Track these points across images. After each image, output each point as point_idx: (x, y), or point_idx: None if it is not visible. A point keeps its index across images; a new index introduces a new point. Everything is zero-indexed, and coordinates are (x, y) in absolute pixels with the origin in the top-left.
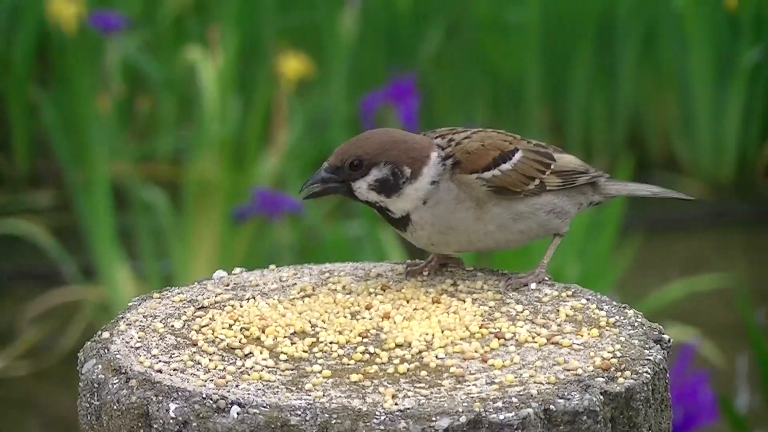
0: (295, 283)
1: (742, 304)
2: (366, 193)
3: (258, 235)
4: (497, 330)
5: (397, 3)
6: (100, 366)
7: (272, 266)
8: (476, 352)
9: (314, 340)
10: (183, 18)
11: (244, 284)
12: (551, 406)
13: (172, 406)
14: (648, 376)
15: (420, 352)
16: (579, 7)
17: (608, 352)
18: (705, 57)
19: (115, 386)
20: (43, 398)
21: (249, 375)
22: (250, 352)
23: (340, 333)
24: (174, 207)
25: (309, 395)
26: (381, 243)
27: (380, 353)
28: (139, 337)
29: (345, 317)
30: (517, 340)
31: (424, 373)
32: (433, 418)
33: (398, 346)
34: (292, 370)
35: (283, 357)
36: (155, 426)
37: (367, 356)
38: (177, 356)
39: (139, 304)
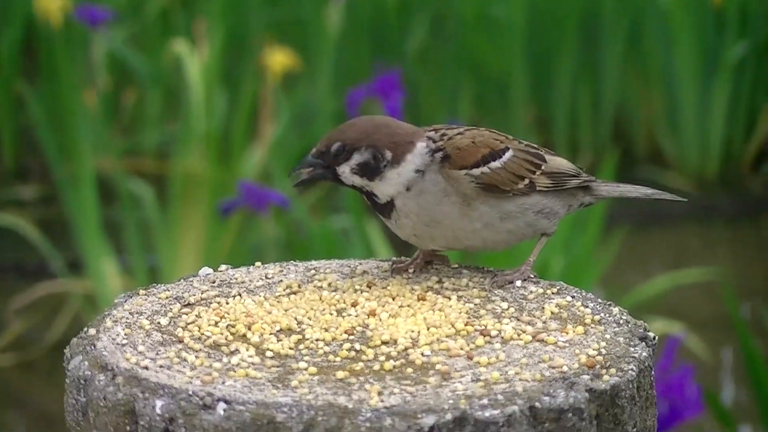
0: (281, 280)
1: (728, 298)
2: (350, 177)
3: (244, 229)
4: (483, 327)
5: None
6: (86, 363)
7: (258, 263)
8: (462, 349)
9: (300, 337)
10: (169, 12)
11: (230, 281)
12: (537, 404)
13: (159, 403)
14: (633, 373)
15: (406, 349)
16: (564, 3)
17: (593, 350)
18: (690, 52)
19: (101, 383)
20: (29, 390)
21: (235, 372)
22: (237, 349)
23: (326, 330)
24: (160, 201)
25: (295, 392)
26: (368, 237)
27: (366, 350)
28: (125, 334)
29: (331, 314)
30: (502, 338)
31: (409, 370)
32: (419, 416)
33: (384, 343)
34: (278, 367)
35: (269, 354)
36: (142, 423)
37: (353, 353)
38: (163, 353)
39: (125, 301)
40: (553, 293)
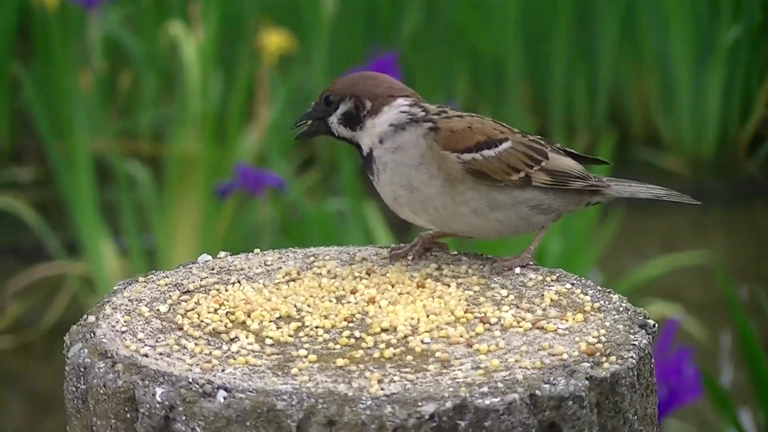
0: (280, 267)
1: (723, 280)
2: (337, 127)
3: (240, 211)
4: (482, 315)
5: None
6: (86, 350)
7: (257, 250)
8: (461, 336)
9: (300, 324)
10: None
11: (229, 268)
12: (537, 392)
13: (159, 391)
14: (633, 361)
15: (405, 336)
16: None
17: (593, 337)
18: (685, 34)
19: (101, 370)
20: (26, 373)
21: (235, 359)
22: (236, 337)
23: (326, 317)
24: (156, 183)
25: (295, 380)
26: (364, 220)
27: (366, 338)
28: (124, 321)
29: (330, 302)
30: (502, 325)
31: (409, 357)
32: (419, 404)
33: (384, 330)
34: (278, 354)
35: (268, 341)
36: (142, 410)
37: (352, 341)
38: (163, 340)
39: (125, 288)
40: (552, 280)
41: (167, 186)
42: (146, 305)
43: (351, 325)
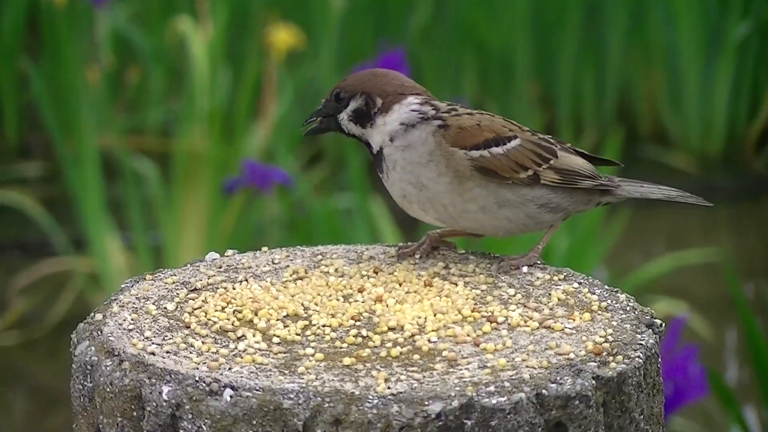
0: (288, 266)
1: (730, 278)
2: (347, 124)
3: (247, 207)
4: (489, 314)
5: None
6: (93, 348)
7: (264, 248)
8: (468, 335)
9: (307, 323)
10: None
11: (236, 266)
12: (543, 391)
13: (165, 389)
14: (640, 360)
15: (412, 335)
16: None
17: (600, 337)
18: (693, 31)
19: (108, 368)
20: (32, 369)
21: (242, 358)
22: (243, 335)
23: (333, 316)
24: (163, 179)
25: (302, 378)
26: (371, 216)
27: (373, 336)
28: (132, 319)
29: (337, 300)
30: (509, 324)
31: (416, 356)
32: (426, 402)
33: (391, 329)
34: (284, 353)
35: (275, 340)
36: (148, 408)
37: (359, 339)
38: (170, 339)
39: (132, 286)
40: (559, 279)
41: (174, 182)
42: (153, 303)
43: (358, 323)
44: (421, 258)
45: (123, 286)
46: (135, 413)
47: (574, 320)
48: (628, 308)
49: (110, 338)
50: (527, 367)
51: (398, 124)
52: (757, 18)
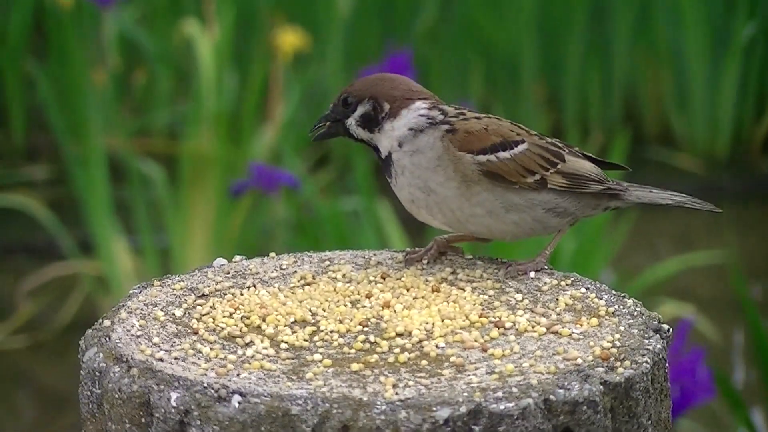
0: (296, 271)
1: (737, 279)
2: (355, 129)
3: (254, 210)
4: (497, 319)
5: None
6: (101, 354)
7: (272, 254)
8: (476, 341)
9: (315, 328)
10: None
11: (244, 272)
12: (551, 396)
13: (174, 395)
14: (647, 365)
15: (420, 341)
16: None
17: (608, 342)
18: (700, 32)
19: (116, 375)
20: (40, 372)
21: (250, 364)
22: (251, 341)
23: (341, 322)
24: (170, 181)
25: (310, 384)
26: (378, 219)
27: (381, 342)
28: (140, 326)
29: (345, 306)
30: (516, 330)
31: (424, 362)
32: (434, 408)
33: (398, 335)
34: (292, 359)
35: (283, 346)
36: (157, 415)
37: (367, 345)
38: (178, 345)
39: (140, 292)
40: (567, 285)
41: (181, 184)
42: (161, 309)
43: (366, 329)
44: (429, 263)
45: (131, 292)
46: (143, 420)
47: (581, 325)
48: (635, 313)
49: (118, 344)
50: (535, 372)
51: (407, 129)
52: (763, 19)
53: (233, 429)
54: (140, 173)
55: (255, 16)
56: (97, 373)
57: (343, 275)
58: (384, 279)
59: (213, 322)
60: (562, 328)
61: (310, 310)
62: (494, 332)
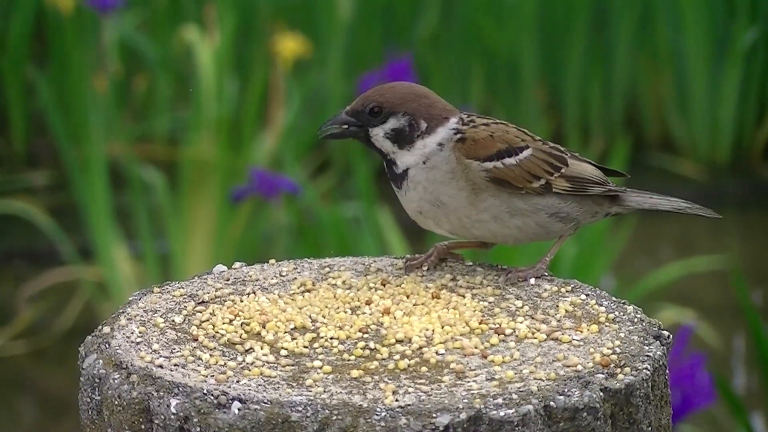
0: (295, 278)
1: (738, 285)
2: (381, 141)
3: (255, 216)
4: (497, 326)
5: None
6: (101, 361)
7: (272, 260)
8: (476, 348)
9: (315, 335)
10: None
11: (244, 279)
12: (551, 403)
13: (173, 402)
14: (648, 372)
15: (420, 347)
16: None
17: (608, 348)
18: (701, 36)
19: (116, 381)
20: (40, 377)
21: (250, 370)
22: (251, 348)
23: (341, 328)
24: (171, 187)
25: (310, 391)
26: (378, 225)
27: (381, 349)
28: (139, 332)
29: (345, 312)
30: (517, 336)
31: (424, 369)
32: (434, 415)
33: (398, 341)
34: (292, 365)
35: (283, 352)
36: (156, 421)
37: (367, 352)
38: (178, 351)
39: (140, 299)
40: (567, 291)
41: (182, 190)
42: (161, 316)
43: (366, 336)
44: (429, 270)
45: (131, 299)
46: (143, 426)
47: (581, 332)
48: (635, 320)
49: (118, 351)
50: (535, 379)
51: (436, 145)
52: (764, 24)
53: None
54: (140, 179)
55: (255, 22)
56: (97, 380)
57: (343, 282)
58: (384, 285)
59: (213, 329)
60: (563, 334)
61: (310, 317)
62: (494, 339)
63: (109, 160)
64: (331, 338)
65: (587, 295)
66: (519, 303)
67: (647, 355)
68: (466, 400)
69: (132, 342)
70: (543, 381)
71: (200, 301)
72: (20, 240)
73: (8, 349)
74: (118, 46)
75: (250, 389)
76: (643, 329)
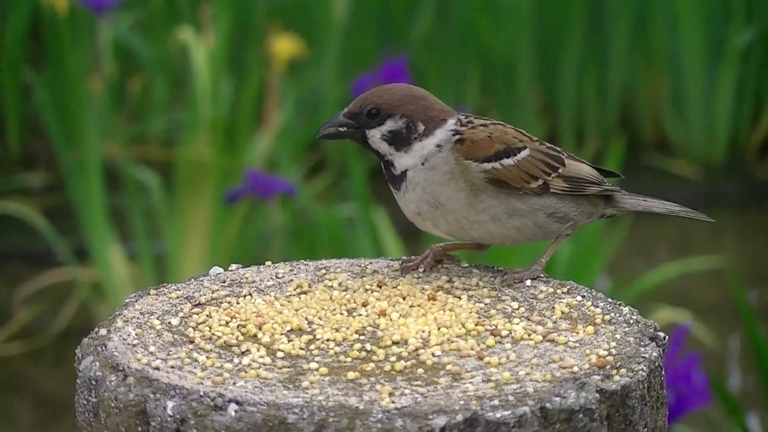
0: (292, 280)
1: (734, 285)
2: (378, 143)
3: (250, 217)
4: (493, 327)
5: None
6: (97, 363)
7: (268, 262)
8: (472, 349)
9: (311, 337)
10: None
11: (240, 281)
12: (547, 404)
13: (170, 404)
14: (643, 373)
15: (416, 349)
16: None
17: (604, 350)
18: (696, 37)
19: (112, 383)
20: (36, 378)
21: (246, 372)
22: (247, 350)
23: (337, 330)
24: (166, 188)
25: (306, 393)
26: (374, 226)
27: (377, 351)
28: (136, 334)
29: (341, 314)
30: (513, 338)
31: (420, 370)
32: (430, 417)
33: (395, 343)
34: (289, 367)
35: (280, 354)
36: (153, 423)
37: (363, 354)
38: (174, 353)
39: (136, 301)
40: (563, 293)
41: (177, 191)
42: (158, 318)
43: (362, 337)
44: (425, 272)
45: (127, 301)
46: (140, 428)
47: (577, 333)
48: (631, 321)
49: (114, 353)
50: (531, 380)
51: (434, 147)
52: (760, 25)
53: None
54: (136, 180)
55: (251, 23)
56: (94, 382)
57: (339, 284)
58: (380, 287)
59: (209, 331)
60: (559, 336)
61: (306, 319)
62: (490, 340)
63: (105, 161)
64: (328, 340)
65: (583, 296)
66: (515, 304)
67: (643, 357)
68: (462, 402)
69: (128, 344)
70: (539, 382)
71: (197, 303)
72: (16, 241)
73: (4, 349)
74: (113, 48)
75: (246, 391)
76: (639, 330)
